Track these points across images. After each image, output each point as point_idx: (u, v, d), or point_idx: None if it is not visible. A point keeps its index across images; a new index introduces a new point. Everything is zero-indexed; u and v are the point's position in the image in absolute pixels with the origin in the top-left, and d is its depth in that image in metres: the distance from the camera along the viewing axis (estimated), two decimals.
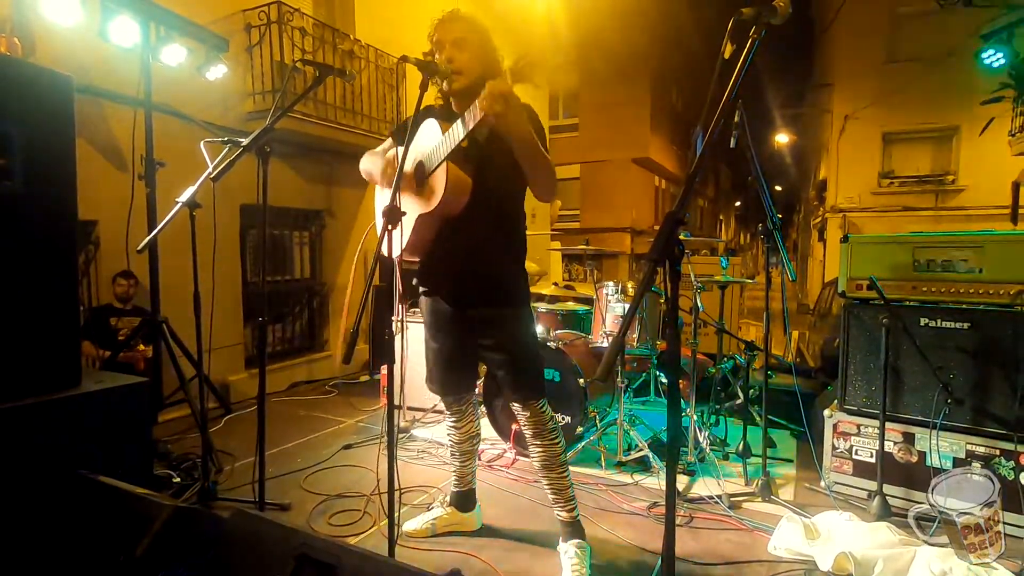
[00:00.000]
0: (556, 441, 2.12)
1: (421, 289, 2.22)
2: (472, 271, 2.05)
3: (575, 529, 2.16)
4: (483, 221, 1.99)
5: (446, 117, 1.97)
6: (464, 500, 2.45)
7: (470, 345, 2.15)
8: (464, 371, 2.28)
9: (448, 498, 2.48)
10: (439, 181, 1.91)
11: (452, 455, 2.42)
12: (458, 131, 1.81)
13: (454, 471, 2.44)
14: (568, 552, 2.11)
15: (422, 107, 2.00)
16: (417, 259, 2.13)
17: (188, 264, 2.50)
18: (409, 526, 2.40)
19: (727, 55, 1.23)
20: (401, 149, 1.84)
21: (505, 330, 2.07)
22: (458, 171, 1.91)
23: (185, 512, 1.49)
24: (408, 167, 2.02)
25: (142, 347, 3.68)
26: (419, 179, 2.00)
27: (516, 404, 2.10)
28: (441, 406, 3.88)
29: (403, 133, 2.01)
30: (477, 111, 1.69)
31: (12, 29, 3.24)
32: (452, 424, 2.38)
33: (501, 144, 1.87)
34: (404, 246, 1.99)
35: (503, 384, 2.12)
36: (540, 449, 2.11)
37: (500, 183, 1.99)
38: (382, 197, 2.21)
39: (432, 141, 1.95)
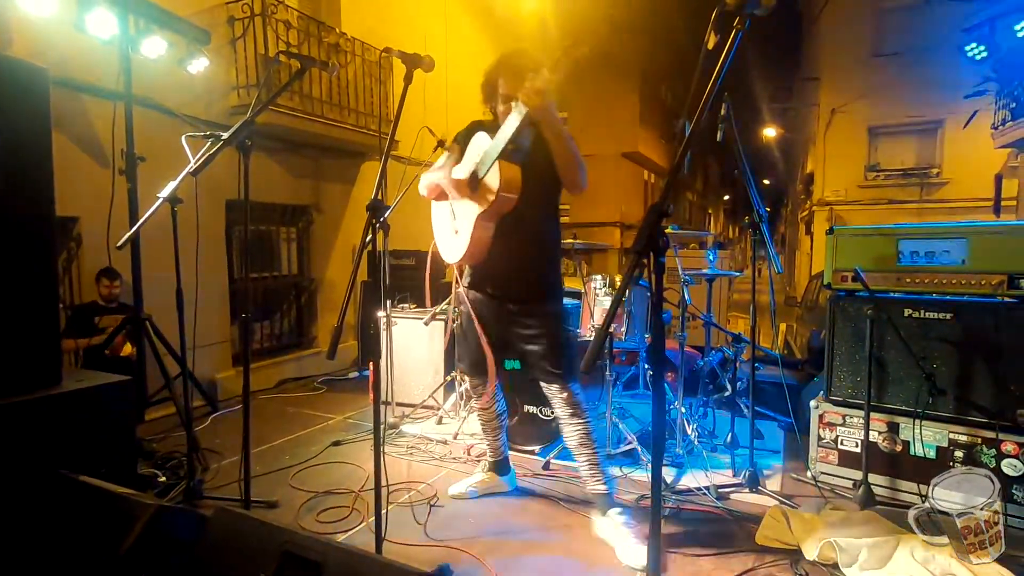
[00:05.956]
0: (587, 420, 2.31)
1: (466, 282, 2.42)
2: (516, 268, 2.26)
3: (610, 500, 2.34)
4: (526, 220, 2.20)
5: (495, 130, 2.17)
6: (500, 466, 2.73)
7: (505, 334, 2.36)
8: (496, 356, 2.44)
9: (487, 465, 2.76)
10: (494, 179, 2.09)
11: (484, 431, 2.69)
12: (507, 128, 2.00)
13: (488, 445, 2.72)
14: (614, 519, 2.27)
15: (471, 122, 2.31)
16: (476, 264, 2.32)
17: (172, 261, 2.47)
18: (453, 489, 2.70)
19: (711, 46, 1.22)
20: (451, 156, 2.33)
21: (543, 322, 2.28)
22: (510, 167, 2.10)
23: (167, 511, 1.47)
24: (463, 175, 2.22)
25: (128, 347, 3.63)
26: (473, 184, 2.18)
27: (554, 386, 2.30)
28: (430, 402, 3.94)
29: (461, 144, 2.31)
30: (520, 107, 1.93)
31: None
32: (481, 407, 2.61)
33: (540, 147, 2.11)
34: (463, 255, 2.22)
35: (538, 370, 2.32)
36: (573, 428, 2.31)
37: (540, 184, 2.20)
38: (439, 212, 2.41)
39: (483, 147, 2.15)
